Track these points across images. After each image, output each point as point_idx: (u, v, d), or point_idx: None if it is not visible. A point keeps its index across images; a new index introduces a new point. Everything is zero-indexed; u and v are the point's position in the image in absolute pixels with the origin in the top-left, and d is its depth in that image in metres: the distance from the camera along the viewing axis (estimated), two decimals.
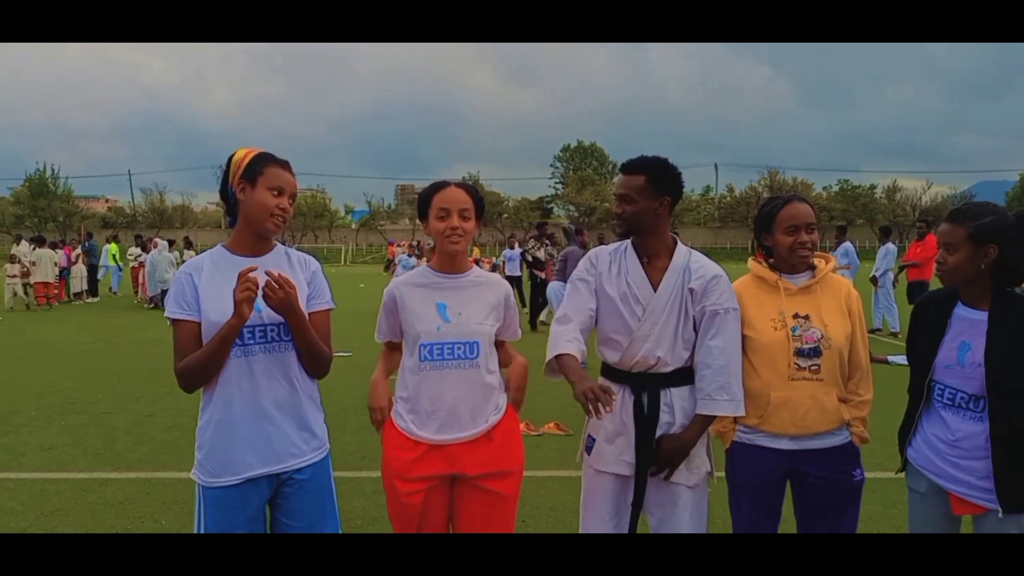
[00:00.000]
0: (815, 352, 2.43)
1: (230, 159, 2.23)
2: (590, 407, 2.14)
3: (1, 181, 76.40)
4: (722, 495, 2.64)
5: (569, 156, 76.56)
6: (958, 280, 2.32)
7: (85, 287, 18.65)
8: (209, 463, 2.19)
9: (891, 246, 12.22)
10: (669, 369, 2.46)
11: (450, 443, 2.36)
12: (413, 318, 2.40)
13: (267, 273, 2.10)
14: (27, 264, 16.46)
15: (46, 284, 16.66)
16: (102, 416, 6.51)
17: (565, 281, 10.42)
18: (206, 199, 74.82)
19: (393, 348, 2.60)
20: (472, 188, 2.45)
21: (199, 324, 2.15)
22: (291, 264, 2.30)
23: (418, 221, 2.55)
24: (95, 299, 18.85)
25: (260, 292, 2.07)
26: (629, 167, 2.51)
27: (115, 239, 22.10)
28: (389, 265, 32.08)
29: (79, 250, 18.86)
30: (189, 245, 20.55)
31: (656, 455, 2.44)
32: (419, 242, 28.95)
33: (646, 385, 2.47)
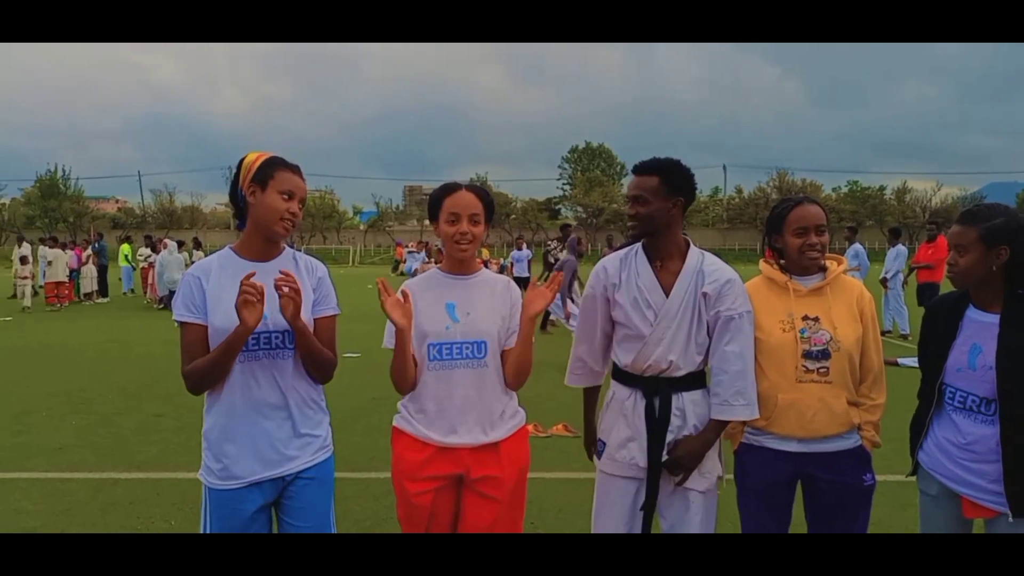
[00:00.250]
0: (824, 354, 2.42)
1: (241, 162, 2.24)
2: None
3: (12, 182, 77.13)
4: (731, 496, 2.63)
5: (577, 157, 76.51)
6: (970, 282, 2.31)
7: (95, 287, 18.78)
8: (214, 466, 2.22)
9: (901, 248, 12.16)
10: (681, 373, 2.45)
11: (458, 447, 2.37)
12: (422, 318, 2.40)
13: (280, 271, 2.12)
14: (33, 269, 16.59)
15: (58, 284, 16.78)
16: (112, 416, 6.55)
17: (560, 293, 10.45)
18: (215, 200, 75.43)
19: None
20: (483, 191, 2.44)
21: (206, 327, 2.17)
22: (298, 269, 2.31)
23: (427, 222, 2.54)
24: (105, 299, 18.98)
25: (272, 298, 2.09)
26: (642, 168, 2.50)
27: (128, 239, 22.33)
28: (397, 266, 32.19)
29: (89, 251, 19.00)
30: (198, 246, 20.64)
31: (669, 459, 2.43)
32: (427, 243, 29.06)
33: (658, 389, 2.46)
